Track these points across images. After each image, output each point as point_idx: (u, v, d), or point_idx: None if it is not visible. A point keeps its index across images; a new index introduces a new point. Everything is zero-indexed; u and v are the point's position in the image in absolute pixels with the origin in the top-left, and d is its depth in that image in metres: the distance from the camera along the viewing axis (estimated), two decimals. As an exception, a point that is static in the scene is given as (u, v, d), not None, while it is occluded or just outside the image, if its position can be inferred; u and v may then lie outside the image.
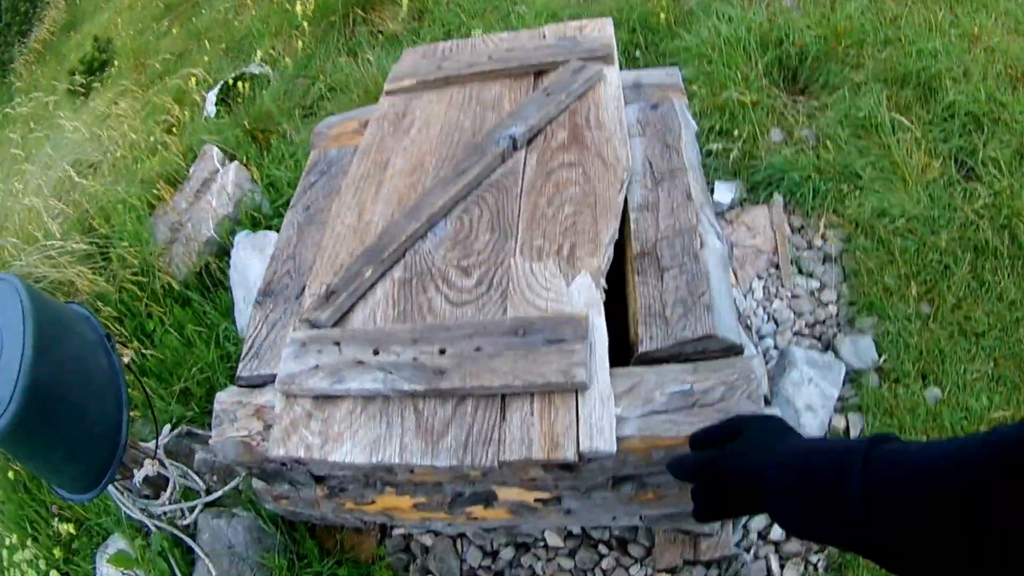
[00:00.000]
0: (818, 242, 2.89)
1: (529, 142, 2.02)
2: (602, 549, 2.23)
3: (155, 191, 3.69)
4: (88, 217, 3.72)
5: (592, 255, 1.70)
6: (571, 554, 2.24)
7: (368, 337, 1.66)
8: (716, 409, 1.41)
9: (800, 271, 2.80)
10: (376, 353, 1.62)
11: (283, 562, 2.38)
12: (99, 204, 3.73)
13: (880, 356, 2.55)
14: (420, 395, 1.54)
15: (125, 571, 2.56)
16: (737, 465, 1.05)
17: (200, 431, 2.80)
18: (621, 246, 1.81)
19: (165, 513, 2.54)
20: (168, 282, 3.26)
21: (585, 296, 1.58)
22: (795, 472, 0.92)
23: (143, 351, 3.09)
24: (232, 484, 2.54)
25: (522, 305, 1.62)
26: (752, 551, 2.17)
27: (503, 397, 1.48)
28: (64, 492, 2.12)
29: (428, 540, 2.40)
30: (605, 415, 1.41)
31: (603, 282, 1.64)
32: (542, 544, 2.27)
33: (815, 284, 2.78)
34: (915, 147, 3.00)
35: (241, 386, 1.92)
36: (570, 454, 1.36)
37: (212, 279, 3.30)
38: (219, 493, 2.53)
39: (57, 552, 2.86)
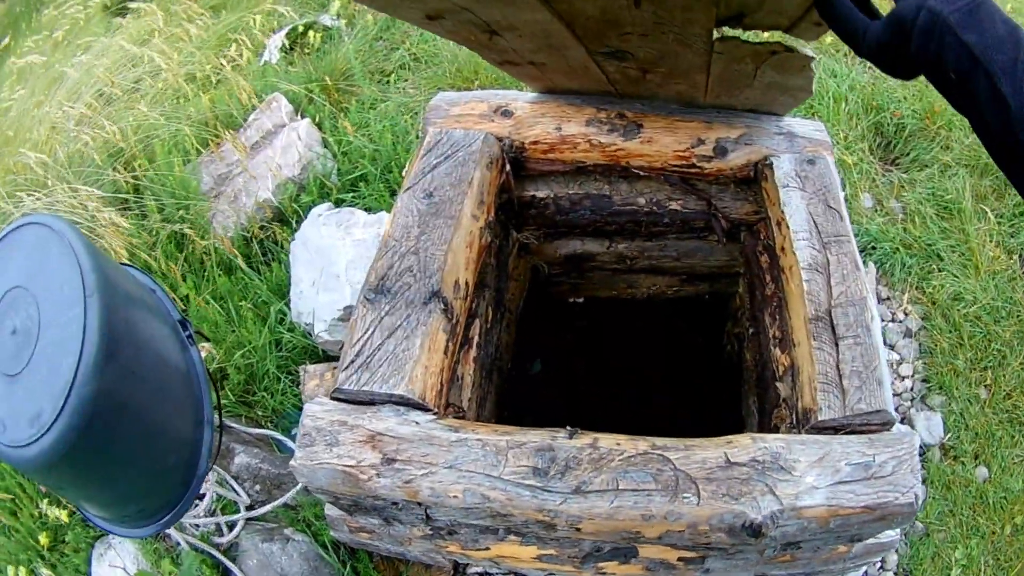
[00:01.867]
0: (901, 316, 3.00)
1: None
2: None
3: (206, 133, 3.30)
4: (125, 153, 3.31)
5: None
6: None
7: None
8: (888, 481, 1.46)
9: (884, 341, 2.81)
10: None
11: (342, 599, 2.06)
12: (140, 137, 3.31)
13: (946, 434, 2.72)
14: None
15: None
16: None
17: (236, 425, 2.44)
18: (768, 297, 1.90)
19: (199, 527, 2.18)
20: (214, 244, 2.87)
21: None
22: None
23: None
24: (283, 499, 2.20)
25: None
26: None
27: None
28: (110, 526, 1.80)
29: None
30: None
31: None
32: None
33: (895, 357, 2.90)
34: (988, 238, 3.16)
35: (338, 400, 1.65)
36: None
37: (264, 248, 2.93)
38: (267, 508, 2.20)
39: (43, 538, 2.50)
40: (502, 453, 1.48)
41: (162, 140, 3.23)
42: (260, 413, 2.56)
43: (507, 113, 2.12)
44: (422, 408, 1.60)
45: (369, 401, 1.62)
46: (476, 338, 1.97)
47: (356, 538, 1.91)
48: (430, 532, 1.72)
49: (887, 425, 1.57)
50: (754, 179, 2.06)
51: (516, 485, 1.45)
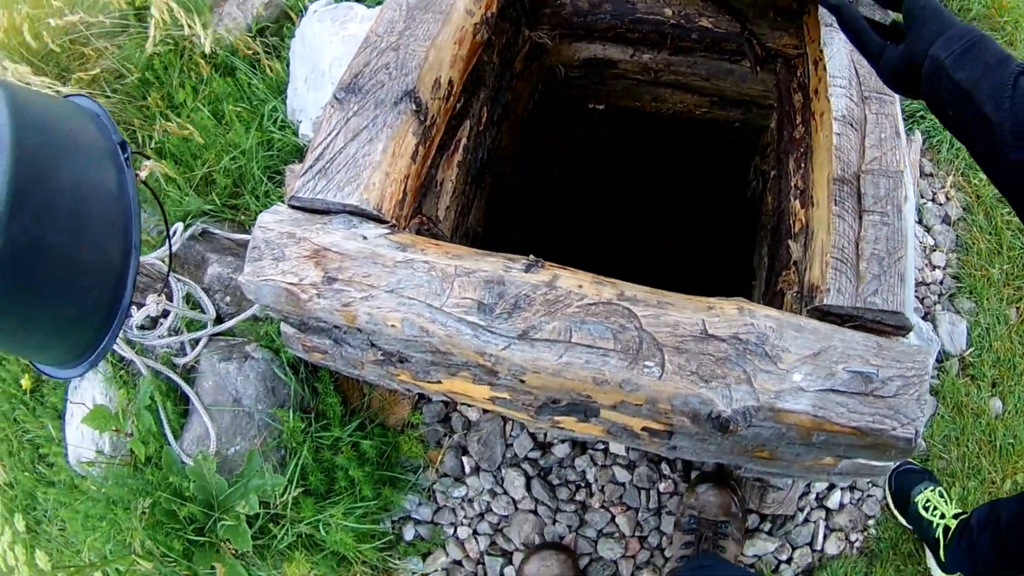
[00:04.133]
0: (941, 198, 2.83)
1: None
2: (664, 469, 2.17)
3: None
4: None
5: None
6: (630, 467, 2.16)
7: None
8: (888, 405, 1.24)
9: (919, 220, 2.76)
10: None
11: (297, 424, 1.96)
12: None
13: (968, 347, 2.53)
14: None
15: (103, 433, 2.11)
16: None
17: (219, 231, 2.30)
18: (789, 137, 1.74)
19: (162, 348, 2.07)
20: (213, 48, 2.67)
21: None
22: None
23: (165, 128, 2.57)
24: (248, 312, 2.08)
25: None
26: (806, 512, 2.16)
27: None
28: (48, 368, 1.75)
29: (474, 415, 2.20)
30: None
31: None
32: (602, 448, 2.17)
33: (930, 241, 2.73)
34: (1038, 142, 2.85)
35: (295, 208, 1.51)
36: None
37: (267, 49, 2.73)
38: (231, 323, 2.09)
39: (25, 381, 2.48)
40: (448, 281, 1.31)
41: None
42: (244, 218, 2.42)
43: (517, -101, 1.88)
44: (377, 219, 1.44)
45: (325, 210, 1.48)
46: (464, 140, 1.79)
47: (312, 357, 1.78)
48: (381, 358, 1.58)
49: (902, 331, 1.35)
50: (796, 11, 1.82)
51: (458, 320, 1.28)
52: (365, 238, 1.39)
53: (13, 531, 2.39)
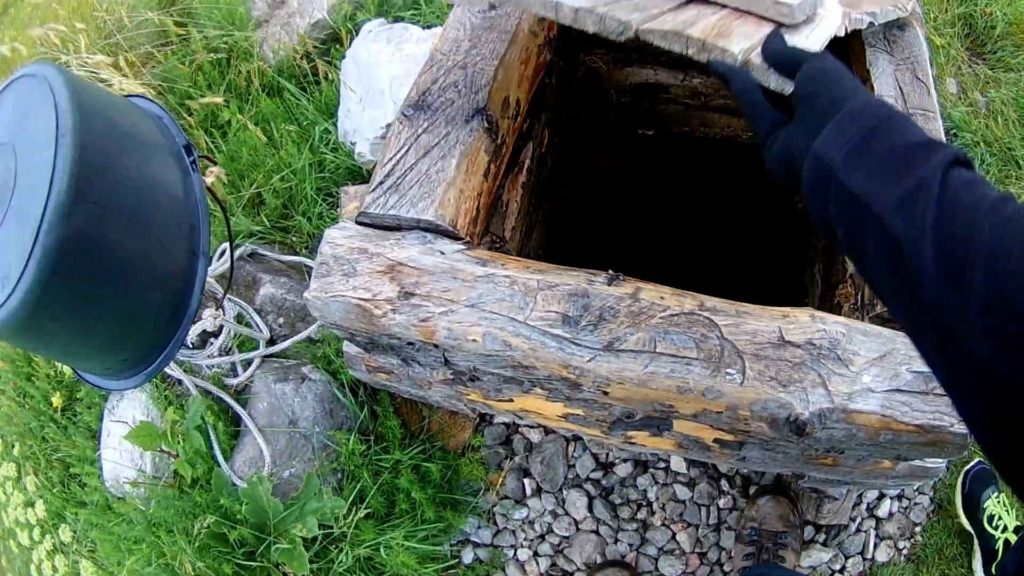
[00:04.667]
0: None
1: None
2: (724, 485, 2.17)
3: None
4: None
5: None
6: (690, 484, 2.16)
7: None
8: (945, 402, 1.25)
9: None
10: None
11: (357, 446, 1.94)
12: None
13: None
14: None
15: (146, 451, 2.09)
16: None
17: (268, 253, 2.30)
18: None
19: (212, 368, 2.05)
20: (259, 67, 2.69)
21: None
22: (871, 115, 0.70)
23: (212, 145, 2.59)
24: (304, 334, 2.06)
25: None
26: (857, 522, 2.17)
27: None
28: (100, 380, 1.67)
29: (536, 436, 2.19)
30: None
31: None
32: (663, 466, 2.17)
33: None
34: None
35: (363, 224, 1.51)
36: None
37: (315, 69, 2.74)
38: (285, 344, 2.06)
39: (56, 399, 2.45)
40: (531, 295, 1.31)
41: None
42: (295, 239, 2.41)
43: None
44: (451, 236, 1.44)
45: (396, 226, 1.47)
46: (527, 162, 1.80)
47: (375, 379, 1.78)
48: (451, 377, 1.58)
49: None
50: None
51: (542, 334, 1.28)
52: (443, 253, 1.39)
53: (55, 541, 2.37)
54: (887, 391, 1.27)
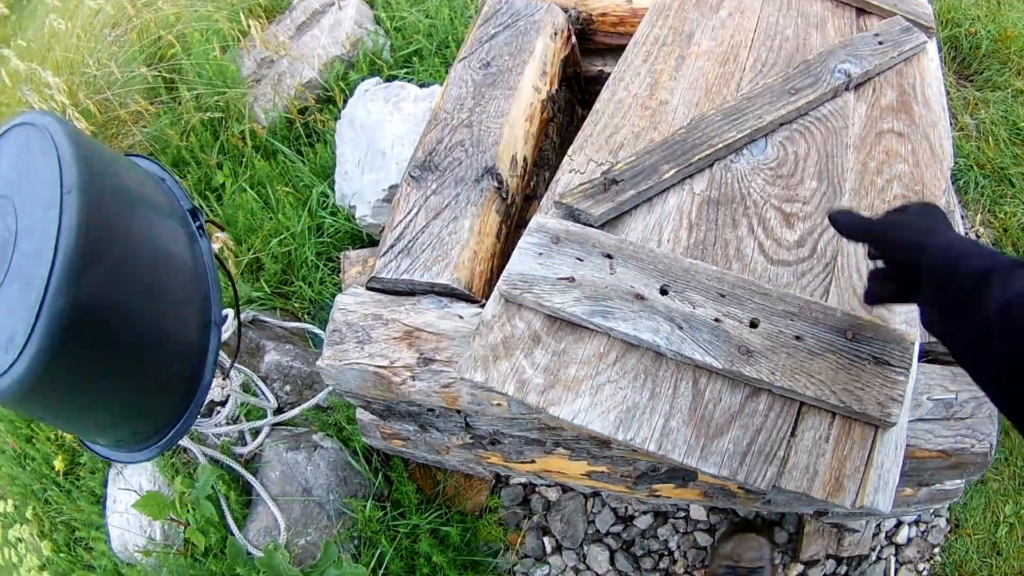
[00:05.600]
0: (972, 236, 2.87)
1: (858, 87, 1.66)
2: None
3: (244, 21, 3.05)
4: (158, 47, 3.08)
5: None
6: (711, 530, 2.14)
7: (656, 264, 1.27)
8: (966, 425, 1.35)
9: None
10: (664, 293, 1.23)
11: (374, 513, 1.92)
12: (177, 31, 3.09)
13: None
14: (706, 370, 1.18)
15: (155, 520, 2.04)
16: (899, 236, 0.97)
17: (270, 319, 2.28)
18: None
19: (220, 437, 2.02)
20: (252, 127, 2.68)
21: (905, 311, 1.28)
22: (940, 270, 0.88)
23: (208, 209, 2.56)
24: (312, 401, 2.04)
25: (848, 293, 1.30)
26: (877, 551, 2.18)
27: (800, 406, 1.17)
28: (109, 452, 1.60)
29: (553, 495, 2.16)
30: (894, 466, 1.15)
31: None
32: (682, 515, 2.16)
33: None
34: (1056, 171, 3.09)
35: (374, 290, 1.50)
36: (848, 502, 1.11)
37: (308, 130, 2.74)
38: (294, 412, 2.04)
39: (58, 463, 2.39)
40: (557, 355, 1.28)
41: (200, 30, 3.00)
42: (297, 305, 2.39)
43: (573, -17, 1.93)
44: (467, 299, 1.43)
45: (409, 291, 1.46)
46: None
47: (390, 445, 1.77)
48: (470, 441, 1.57)
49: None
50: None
51: (572, 393, 1.26)
52: (461, 317, 1.37)
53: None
54: (912, 421, 1.31)
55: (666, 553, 2.12)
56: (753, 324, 1.19)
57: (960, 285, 0.82)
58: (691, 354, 1.16)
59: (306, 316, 2.36)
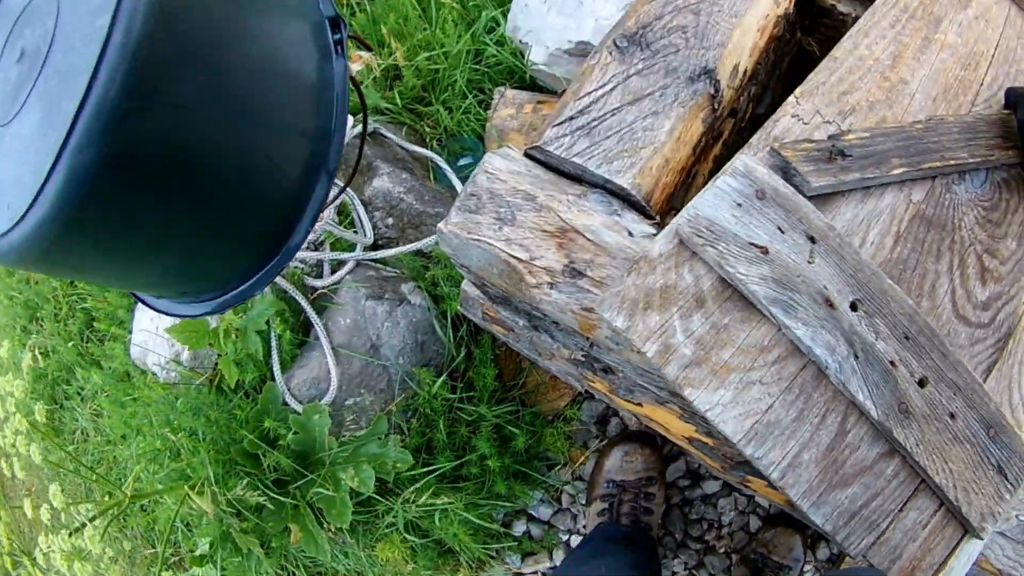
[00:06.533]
0: None
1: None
2: None
3: None
4: None
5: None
6: (768, 519, 2.05)
7: (856, 271, 1.12)
8: None
9: None
10: (854, 308, 1.10)
11: (442, 391, 1.74)
12: None
13: None
14: (859, 412, 1.11)
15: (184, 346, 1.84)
16: None
17: (393, 136, 2.02)
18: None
19: (295, 264, 1.79)
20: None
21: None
22: None
23: (355, 3, 2.27)
24: (414, 246, 1.81)
25: (1006, 382, 1.22)
26: None
27: (920, 483, 1.14)
28: (164, 304, 1.32)
29: (634, 424, 1.99)
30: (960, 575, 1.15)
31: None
32: (748, 493, 2.02)
33: None
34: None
35: (534, 160, 1.27)
36: (914, 594, 1.10)
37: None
38: (390, 252, 1.81)
39: None
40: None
41: None
42: (428, 129, 2.12)
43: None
44: (644, 213, 1.21)
45: (576, 177, 1.24)
46: (725, 135, 1.55)
47: (490, 328, 1.59)
48: (582, 359, 1.38)
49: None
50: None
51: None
52: (631, 234, 1.15)
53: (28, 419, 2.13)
54: (995, 532, 1.25)
55: (717, 526, 2.01)
56: (922, 383, 1.12)
57: None
58: (855, 391, 1.08)
59: (435, 143, 2.11)
